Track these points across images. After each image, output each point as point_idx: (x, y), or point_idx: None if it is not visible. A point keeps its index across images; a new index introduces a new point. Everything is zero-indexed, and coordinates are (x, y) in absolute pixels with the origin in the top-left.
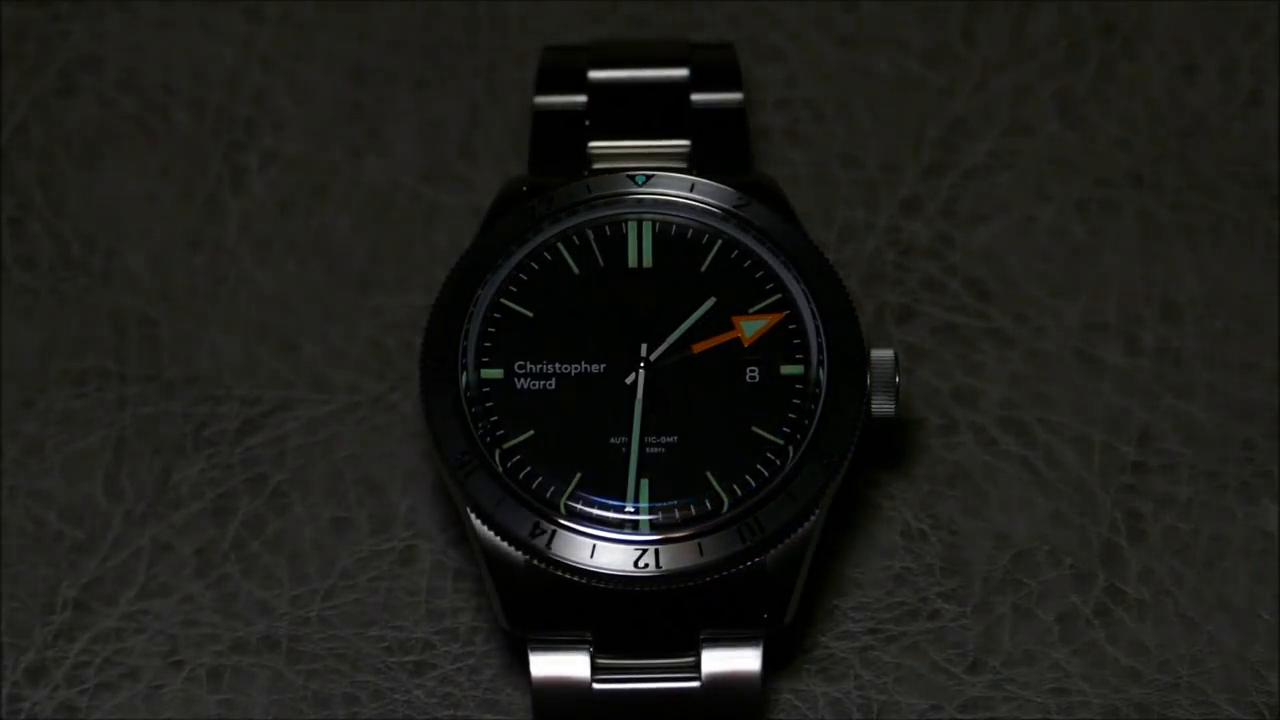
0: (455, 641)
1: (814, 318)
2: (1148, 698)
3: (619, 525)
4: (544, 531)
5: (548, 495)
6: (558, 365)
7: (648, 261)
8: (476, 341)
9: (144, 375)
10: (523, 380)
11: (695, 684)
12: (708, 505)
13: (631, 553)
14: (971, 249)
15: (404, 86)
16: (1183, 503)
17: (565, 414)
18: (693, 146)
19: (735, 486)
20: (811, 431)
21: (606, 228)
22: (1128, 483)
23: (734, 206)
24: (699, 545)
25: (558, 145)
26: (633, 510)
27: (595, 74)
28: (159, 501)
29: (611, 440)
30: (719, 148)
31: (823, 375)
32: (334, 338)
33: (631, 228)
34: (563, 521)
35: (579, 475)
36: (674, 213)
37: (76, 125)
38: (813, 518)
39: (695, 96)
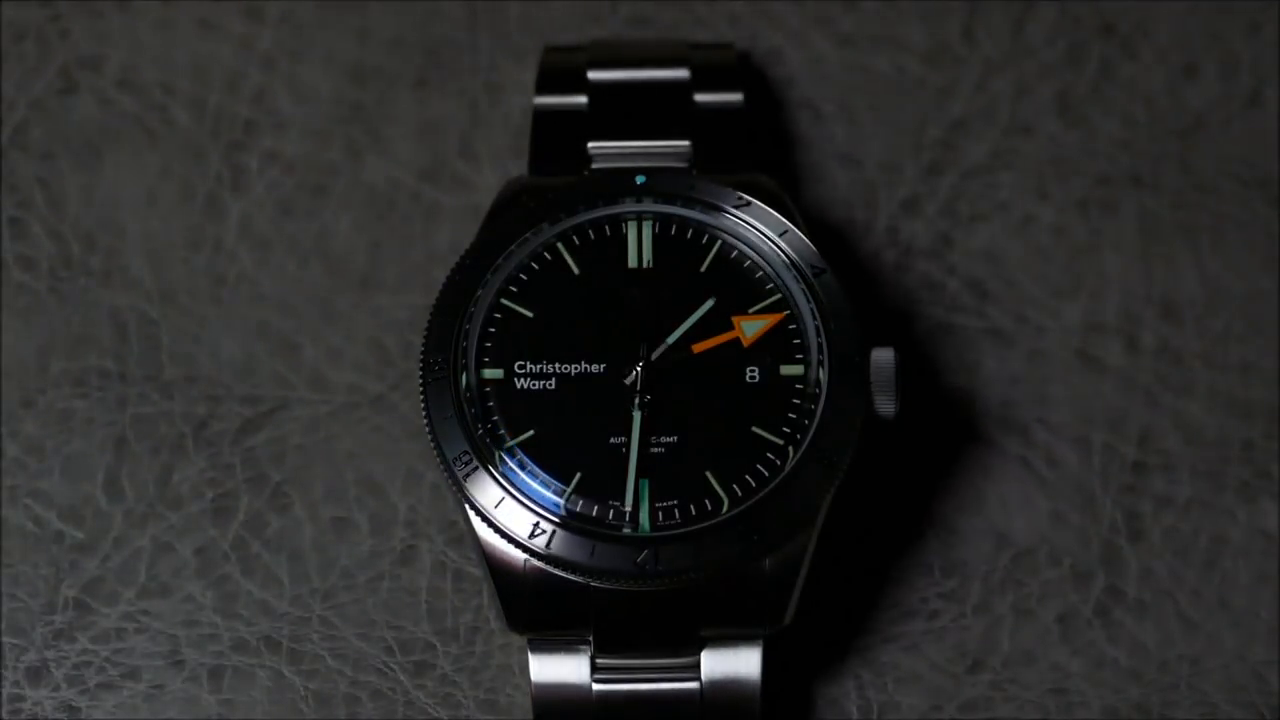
0: (455, 641)
1: (814, 318)
2: (1148, 698)
3: (619, 525)
4: (544, 531)
5: (548, 495)
6: (558, 365)
7: (648, 261)
8: (476, 341)
9: (144, 375)
10: (523, 380)
11: (695, 684)
12: (708, 505)
13: (631, 553)
14: (971, 249)
15: (404, 86)
16: (1183, 503)
17: (565, 414)
18: (693, 147)
19: (735, 486)
20: (811, 431)
21: (606, 228)
22: (1128, 483)
23: (734, 206)
24: (699, 545)
25: (558, 145)
26: (632, 510)
27: (595, 74)
28: (159, 501)
29: (611, 440)
30: (719, 148)
31: (823, 375)
32: (334, 338)
33: (631, 228)
34: (562, 521)
35: (579, 475)
36: (674, 213)
37: (76, 125)
38: (813, 518)
39: (695, 97)
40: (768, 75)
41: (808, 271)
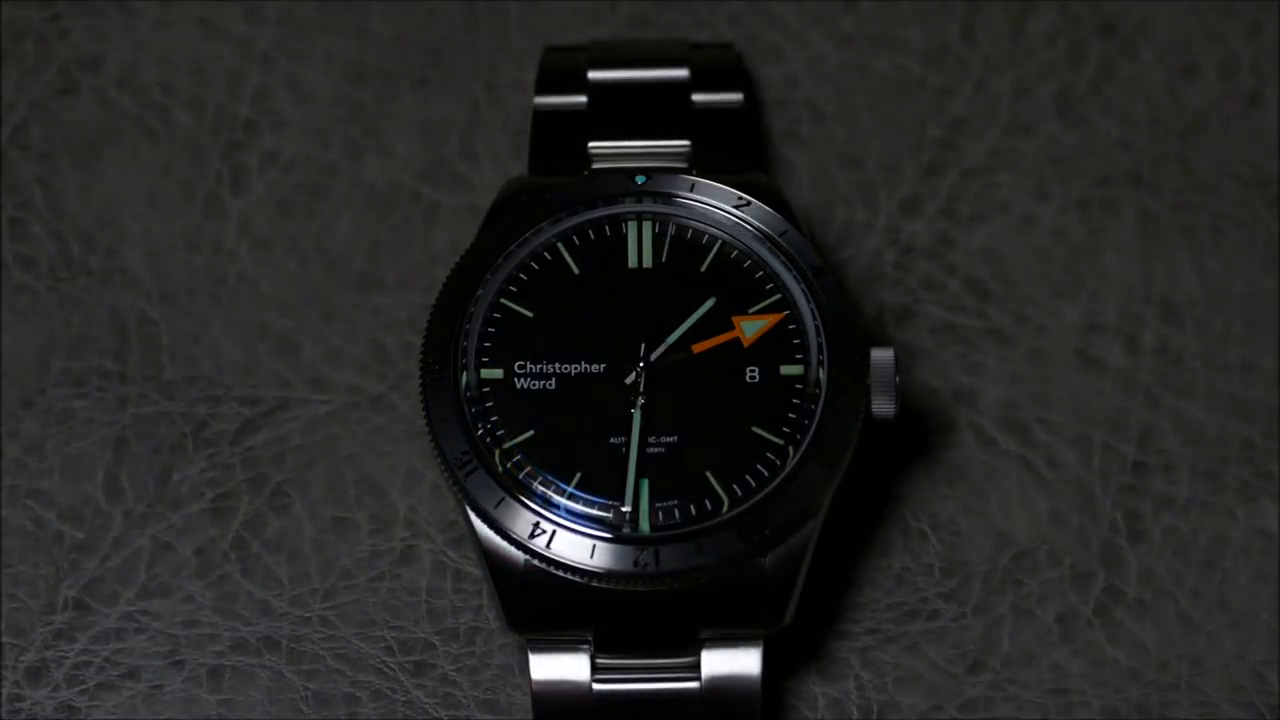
0: (455, 641)
1: (814, 318)
2: (1148, 698)
3: (619, 525)
4: (544, 531)
5: (548, 495)
6: (558, 365)
7: (648, 261)
8: (476, 341)
9: (144, 375)
10: (523, 380)
11: (695, 684)
12: (708, 505)
13: (631, 553)
14: (971, 249)
15: (404, 86)
16: (1183, 503)
17: (565, 414)
18: (693, 147)
19: (735, 486)
20: (811, 431)
21: (606, 228)
22: (1128, 483)
23: (734, 206)
24: (699, 545)
25: (558, 145)
26: (632, 510)
27: (595, 74)
28: (159, 501)
29: (611, 440)
30: (719, 148)
31: (823, 375)
32: (334, 338)
33: (631, 228)
34: (562, 522)
35: (579, 475)
36: (674, 213)
37: (76, 125)
38: (813, 518)
39: (695, 97)
40: (768, 75)
41: (808, 271)
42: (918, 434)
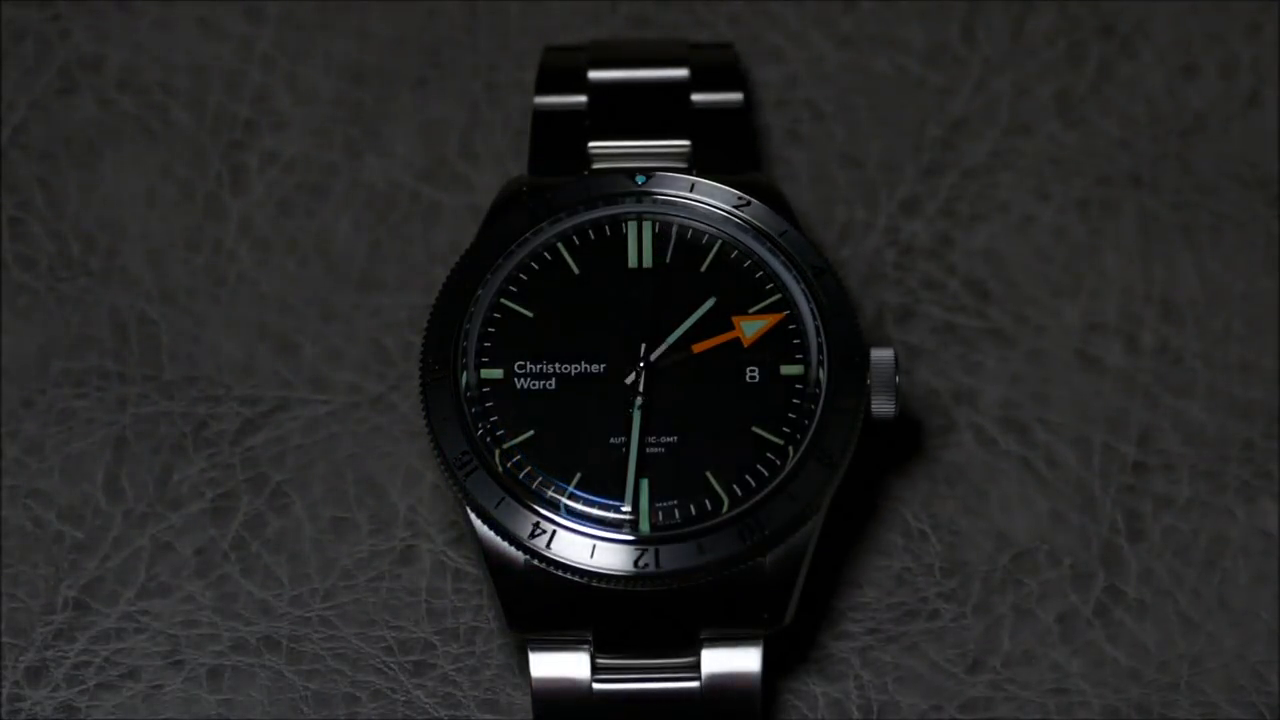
0: (455, 641)
1: (814, 318)
2: (1148, 698)
3: (619, 525)
4: (544, 531)
5: (548, 495)
6: (558, 365)
7: (648, 261)
8: (476, 341)
9: (144, 375)
10: (523, 380)
11: (695, 684)
12: (708, 505)
13: (631, 553)
14: (971, 249)
15: (404, 86)
16: (1183, 503)
17: (565, 414)
18: (693, 146)
19: (735, 486)
20: (811, 431)
21: (606, 228)
22: (1128, 483)
23: (734, 206)
24: (699, 545)
25: (558, 145)
26: (632, 510)
27: (595, 74)
28: (159, 501)
29: (611, 440)
30: (719, 148)
31: (823, 375)
32: (334, 338)
33: (631, 228)
34: (562, 521)
35: (579, 475)
36: (674, 213)
37: (76, 125)
38: (813, 518)
39: (695, 97)
40: (768, 75)
41: (808, 271)
42: (917, 434)
